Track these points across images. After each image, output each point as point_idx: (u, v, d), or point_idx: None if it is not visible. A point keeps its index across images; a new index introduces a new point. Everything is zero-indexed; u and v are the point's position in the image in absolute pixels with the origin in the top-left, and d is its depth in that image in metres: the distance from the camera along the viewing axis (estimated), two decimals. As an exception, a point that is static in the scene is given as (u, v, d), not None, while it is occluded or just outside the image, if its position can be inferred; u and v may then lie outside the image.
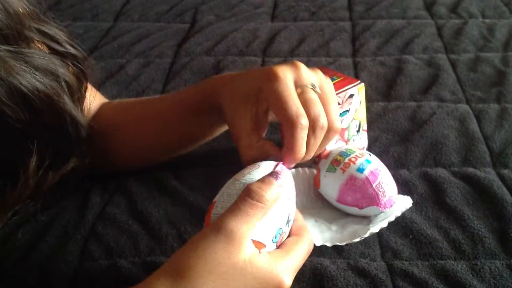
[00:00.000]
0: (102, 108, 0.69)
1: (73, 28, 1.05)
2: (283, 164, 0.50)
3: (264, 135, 0.56)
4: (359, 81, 0.67)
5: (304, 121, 0.50)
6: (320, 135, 0.52)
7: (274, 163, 0.51)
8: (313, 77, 0.53)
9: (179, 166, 0.69)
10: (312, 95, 0.52)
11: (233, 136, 0.56)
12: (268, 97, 0.52)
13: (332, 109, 0.53)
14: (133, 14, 1.15)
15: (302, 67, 0.53)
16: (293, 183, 0.50)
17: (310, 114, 0.51)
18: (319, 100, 0.52)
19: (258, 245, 0.45)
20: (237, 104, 0.55)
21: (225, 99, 0.57)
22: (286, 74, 0.52)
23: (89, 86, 0.64)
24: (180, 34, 1.06)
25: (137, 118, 0.67)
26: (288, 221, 0.48)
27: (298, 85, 0.52)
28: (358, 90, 0.67)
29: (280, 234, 0.47)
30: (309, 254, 0.48)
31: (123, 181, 0.68)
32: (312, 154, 0.54)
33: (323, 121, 0.51)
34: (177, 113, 0.65)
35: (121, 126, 0.67)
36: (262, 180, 0.47)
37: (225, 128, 0.67)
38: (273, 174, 0.47)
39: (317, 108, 0.52)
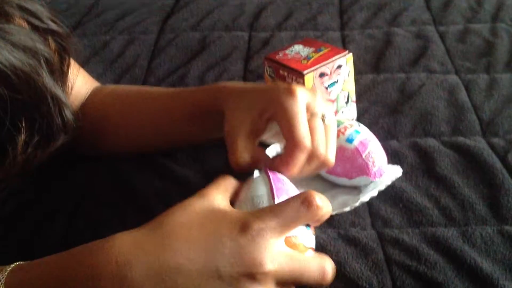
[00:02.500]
0: (93, 93, 0.68)
1: (56, 5, 1.03)
2: (271, 173, 0.50)
3: (256, 144, 0.55)
4: (347, 51, 0.66)
5: (308, 146, 0.51)
6: (315, 163, 0.52)
7: (263, 176, 0.50)
8: (325, 108, 0.54)
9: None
10: (320, 124, 0.52)
11: (228, 138, 0.55)
12: (280, 111, 0.51)
13: (332, 144, 0.53)
14: (116, -10, 1.13)
15: (318, 95, 0.54)
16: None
17: (313, 141, 0.51)
18: (324, 131, 0.53)
19: None
20: (241, 108, 0.54)
21: (230, 102, 0.56)
22: (303, 95, 0.52)
23: (76, 65, 0.63)
24: (165, 9, 1.04)
25: (129, 112, 0.66)
26: None
27: (310, 110, 0.52)
28: (346, 61, 0.66)
29: None
30: (304, 215, 0.44)
31: (109, 158, 0.67)
32: (298, 174, 0.53)
33: (322, 152, 0.51)
34: (171, 115, 0.63)
35: (111, 116, 0.65)
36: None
37: (215, 136, 0.65)
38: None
39: (321, 138, 0.52)
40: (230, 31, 0.96)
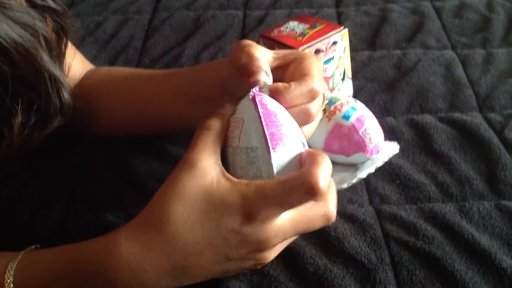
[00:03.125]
0: (88, 75, 0.67)
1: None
2: (261, 107, 0.46)
3: None
4: (343, 27, 0.65)
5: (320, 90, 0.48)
6: (319, 104, 0.50)
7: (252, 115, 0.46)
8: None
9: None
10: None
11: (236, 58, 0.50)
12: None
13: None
14: (109, -29, 1.12)
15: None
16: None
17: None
18: None
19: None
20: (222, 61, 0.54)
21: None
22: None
23: (72, 47, 0.62)
24: (159, -11, 1.03)
25: (122, 93, 0.65)
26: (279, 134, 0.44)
27: None
28: (342, 37, 0.65)
29: (253, 171, 0.44)
30: (308, 200, 0.43)
31: (106, 140, 0.66)
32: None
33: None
34: (164, 98, 0.62)
35: (105, 97, 0.64)
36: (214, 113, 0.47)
37: None
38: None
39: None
40: (224, 10, 0.95)
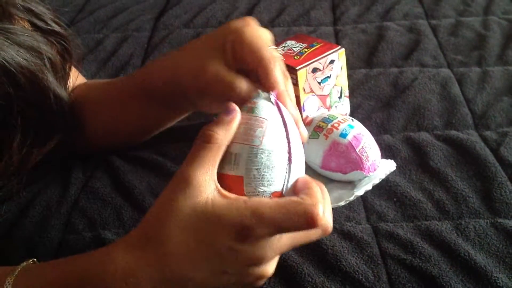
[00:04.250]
0: (76, 88, 0.68)
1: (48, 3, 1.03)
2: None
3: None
4: (340, 47, 0.66)
5: (276, 55, 0.48)
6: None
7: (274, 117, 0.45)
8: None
9: (160, 141, 0.68)
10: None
11: (208, 83, 0.50)
12: (241, 35, 0.48)
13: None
14: (109, -12, 1.13)
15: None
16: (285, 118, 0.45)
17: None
18: None
19: (234, 181, 0.43)
20: (203, 55, 0.51)
21: (186, 57, 0.53)
22: (255, 22, 0.50)
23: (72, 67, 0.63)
24: (158, 7, 1.04)
25: (98, 101, 0.65)
26: (280, 156, 0.43)
27: None
28: (339, 56, 0.66)
29: (270, 175, 0.43)
30: (305, 229, 0.42)
31: (105, 157, 0.67)
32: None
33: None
34: (133, 102, 0.62)
35: (85, 109, 0.64)
36: (216, 120, 0.44)
37: (186, 114, 0.65)
38: (225, 110, 0.45)
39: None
40: (223, 28, 0.96)
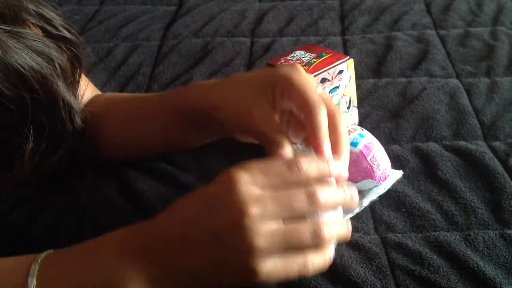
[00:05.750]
0: (92, 100, 0.68)
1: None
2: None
3: None
4: (348, 57, 0.67)
5: (322, 103, 0.49)
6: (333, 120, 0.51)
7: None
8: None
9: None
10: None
11: (253, 129, 0.51)
12: (291, 83, 0.50)
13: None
14: (119, -3, 1.14)
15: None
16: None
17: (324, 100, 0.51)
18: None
19: None
20: (250, 96, 0.52)
21: (232, 95, 0.53)
22: (305, 73, 0.52)
23: (83, 75, 0.64)
24: (167, 16, 1.05)
25: (121, 118, 0.65)
26: None
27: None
28: (348, 66, 0.66)
29: None
30: (288, 176, 0.44)
31: (114, 165, 0.67)
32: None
33: (334, 105, 0.51)
34: (162, 120, 0.62)
35: (105, 122, 0.65)
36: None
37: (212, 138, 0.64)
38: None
39: (329, 98, 0.52)
40: (232, 37, 0.96)
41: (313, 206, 0.43)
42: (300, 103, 0.49)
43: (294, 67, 0.51)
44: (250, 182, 0.42)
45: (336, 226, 0.44)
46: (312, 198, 0.43)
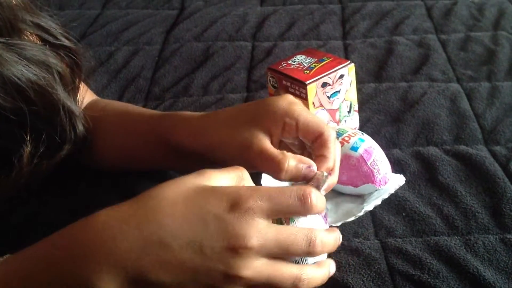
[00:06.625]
0: (91, 104, 0.68)
1: (60, 16, 1.04)
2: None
3: None
4: (349, 62, 0.67)
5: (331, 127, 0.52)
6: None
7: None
8: None
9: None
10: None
11: (253, 160, 0.51)
12: (296, 114, 0.51)
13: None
14: (120, 1, 1.14)
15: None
16: None
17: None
18: None
19: None
20: (248, 132, 0.52)
21: (224, 132, 0.54)
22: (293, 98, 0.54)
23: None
24: (169, 20, 1.05)
25: (114, 131, 0.65)
26: None
27: None
28: (348, 71, 0.67)
29: None
30: (296, 209, 0.44)
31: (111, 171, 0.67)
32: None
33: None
34: (151, 144, 0.61)
35: (100, 131, 0.64)
36: None
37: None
38: None
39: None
40: (233, 41, 0.97)
41: (309, 254, 0.44)
42: (310, 133, 0.51)
43: (286, 99, 0.52)
44: (258, 213, 0.42)
45: (317, 277, 0.45)
46: (310, 246, 0.43)
